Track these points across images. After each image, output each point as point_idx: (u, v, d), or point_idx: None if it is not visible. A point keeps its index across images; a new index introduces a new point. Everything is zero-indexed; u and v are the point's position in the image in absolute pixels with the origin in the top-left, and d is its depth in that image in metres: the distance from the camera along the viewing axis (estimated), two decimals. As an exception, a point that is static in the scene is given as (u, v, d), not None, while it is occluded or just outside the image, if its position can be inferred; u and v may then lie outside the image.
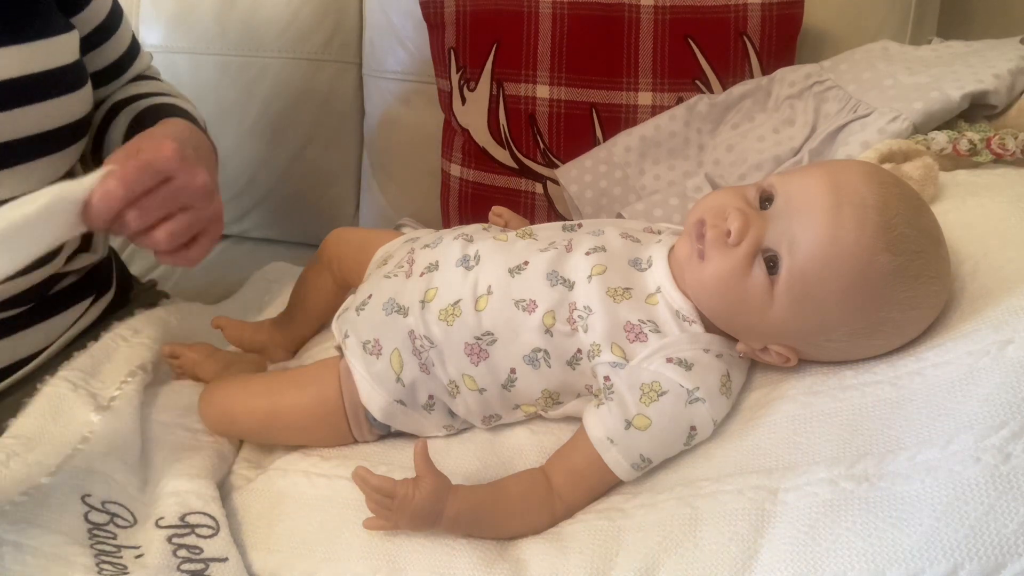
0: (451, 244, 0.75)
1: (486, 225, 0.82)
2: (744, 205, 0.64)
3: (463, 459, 0.71)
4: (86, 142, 0.83)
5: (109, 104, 0.88)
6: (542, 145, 1.07)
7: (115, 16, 0.90)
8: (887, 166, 0.71)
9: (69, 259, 0.83)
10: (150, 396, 0.79)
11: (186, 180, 0.64)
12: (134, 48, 0.94)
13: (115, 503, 0.66)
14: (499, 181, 1.11)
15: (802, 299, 0.61)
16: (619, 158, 1.00)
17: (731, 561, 0.55)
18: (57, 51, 0.75)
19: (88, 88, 0.80)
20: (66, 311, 0.83)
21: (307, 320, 0.92)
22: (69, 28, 0.78)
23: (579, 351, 0.67)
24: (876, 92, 0.88)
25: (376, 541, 0.64)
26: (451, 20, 1.08)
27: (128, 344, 0.81)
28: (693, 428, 0.63)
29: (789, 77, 0.95)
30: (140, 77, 0.95)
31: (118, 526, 0.64)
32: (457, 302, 0.70)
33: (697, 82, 1.01)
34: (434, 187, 1.20)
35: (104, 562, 0.60)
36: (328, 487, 0.70)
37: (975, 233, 0.68)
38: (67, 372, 0.74)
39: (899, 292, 0.60)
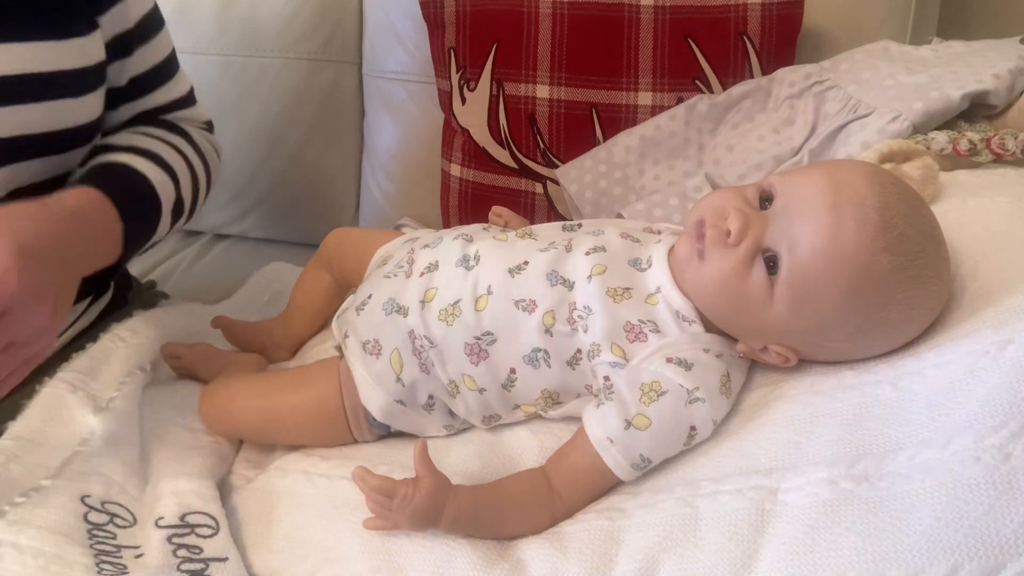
0: (451, 244, 0.75)
1: (486, 225, 0.82)
2: (744, 205, 0.64)
3: (463, 459, 0.70)
4: (87, 149, 0.81)
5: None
6: (542, 145, 1.07)
7: (144, 29, 0.84)
8: (887, 166, 0.71)
9: None
10: (150, 396, 0.79)
11: (22, 318, 0.59)
12: (155, 77, 0.87)
13: (115, 503, 0.66)
14: (499, 181, 1.11)
15: (802, 299, 0.61)
16: (619, 158, 1.00)
17: (731, 561, 0.55)
18: (69, 53, 0.74)
19: (96, 96, 0.78)
20: None
21: (307, 320, 0.92)
22: (89, 31, 0.75)
23: (579, 351, 0.67)
24: (876, 92, 0.88)
25: (376, 541, 0.64)
26: (451, 20, 1.08)
27: (127, 345, 0.81)
28: (693, 428, 0.63)
29: (789, 77, 0.95)
30: (160, 121, 0.87)
31: (118, 526, 0.64)
32: (457, 302, 0.70)
33: (697, 82, 1.01)
34: (434, 187, 1.20)
35: (104, 562, 0.60)
36: (328, 487, 0.70)
37: (975, 233, 0.68)
38: (66, 374, 0.74)
39: (899, 292, 0.60)
